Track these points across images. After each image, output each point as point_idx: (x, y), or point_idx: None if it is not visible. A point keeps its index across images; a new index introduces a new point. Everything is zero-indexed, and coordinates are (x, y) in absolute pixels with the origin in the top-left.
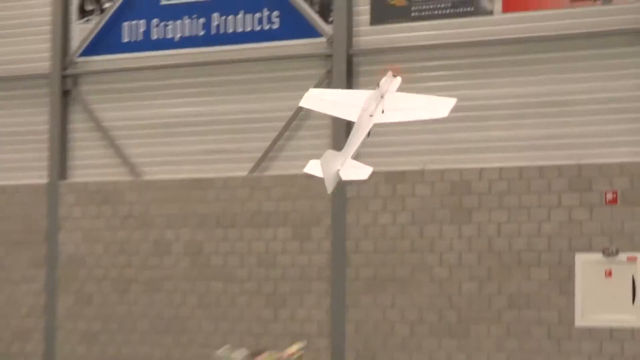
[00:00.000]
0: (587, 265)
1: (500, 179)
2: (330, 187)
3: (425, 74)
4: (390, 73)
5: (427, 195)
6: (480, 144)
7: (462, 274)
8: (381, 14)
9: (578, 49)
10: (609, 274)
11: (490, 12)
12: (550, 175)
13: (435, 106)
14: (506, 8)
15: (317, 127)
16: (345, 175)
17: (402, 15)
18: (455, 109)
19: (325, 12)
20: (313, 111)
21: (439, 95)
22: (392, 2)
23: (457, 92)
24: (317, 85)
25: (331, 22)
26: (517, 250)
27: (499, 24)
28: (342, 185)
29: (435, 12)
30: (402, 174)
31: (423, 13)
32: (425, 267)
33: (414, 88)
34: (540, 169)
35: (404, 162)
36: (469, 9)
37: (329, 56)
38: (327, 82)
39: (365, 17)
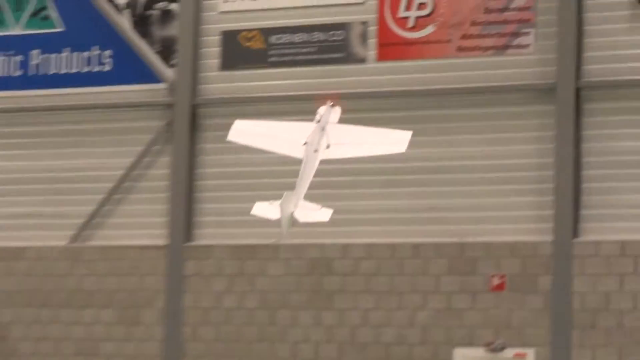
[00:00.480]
0: None
1: (368, 258)
2: (285, 230)
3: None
4: (329, 102)
5: (280, 275)
6: (345, 215)
7: None
8: (234, 59)
9: (465, 106)
10: None
11: (363, 60)
12: (427, 255)
13: (389, 140)
14: (382, 56)
15: (153, 190)
16: (303, 217)
17: (259, 60)
18: (315, 173)
19: (167, 54)
20: (149, 172)
21: None
22: (248, 44)
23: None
24: (155, 141)
25: (174, 66)
26: (385, 343)
27: (372, 74)
28: (179, 260)
29: (298, 57)
30: (251, 249)
31: (284, 58)
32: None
33: None
34: (416, 247)
35: (253, 234)
36: (338, 55)
37: (169, 105)
38: (166, 135)
39: (215, 61)
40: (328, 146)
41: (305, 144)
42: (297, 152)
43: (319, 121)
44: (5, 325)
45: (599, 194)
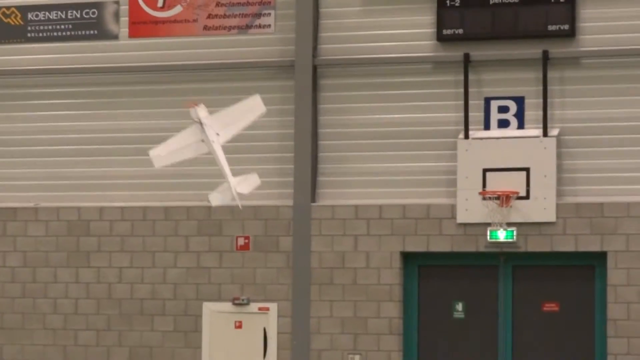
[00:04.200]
0: (215, 315)
1: (122, 220)
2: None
3: (43, 101)
4: (193, 106)
5: (40, 236)
6: (100, 181)
7: (79, 323)
8: None
9: (212, 81)
10: (239, 325)
11: (116, 37)
12: (177, 217)
13: (251, 108)
14: (133, 33)
15: None
16: (245, 189)
17: (18, 35)
18: (72, 142)
19: None
20: None
21: (54, 125)
22: (7, 20)
23: (77, 122)
24: None
25: None
26: (139, 298)
27: (124, 50)
28: None
29: (55, 33)
30: (13, 211)
31: (41, 34)
32: (38, 314)
33: (30, 117)
34: (166, 209)
35: (15, 197)
36: (91, 32)
37: None
38: None
39: None
40: (218, 134)
41: (202, 141)
42: (203, 150)
43: (198, 122)
44: None
45: (334, 162)
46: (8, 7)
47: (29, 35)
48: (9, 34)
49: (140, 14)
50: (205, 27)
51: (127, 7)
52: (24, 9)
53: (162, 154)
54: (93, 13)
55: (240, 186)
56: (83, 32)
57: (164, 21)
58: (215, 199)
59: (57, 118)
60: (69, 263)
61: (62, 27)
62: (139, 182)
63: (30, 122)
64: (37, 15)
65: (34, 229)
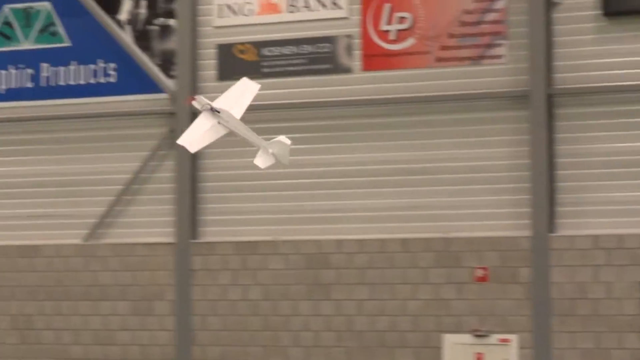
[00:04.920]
0: (456, 347)
1: (360, 252)
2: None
3: (276, 136)
4: (195, 102)
5: (280, 269)
6: (338, 214)
7: (320, 355)
8: (229, 69)
9: (445, 112)
10: (480, 357)
11: (349, 71)
12: (415, 249)
13: (244, 89)
14: (366, 66)
15: (158, 192)
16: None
17: (253, 71)
18: (310, 175)
19: (167, 66)
20: (154, 175)
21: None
22: (242, 56)
23: (313, 156)
24: (159, 146)
25: (174, 77)
26: (379, 330)
27: (358, 83)
28: (187, 256)
29: (289, 68)
30: (253, 245)
31: (275, 69)
32: (279, 347)
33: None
34: (404, 241)
35: (255, 231)
36: (325, 66)
37: (171, 114)
38: (169, 141)
39: (212, 72)
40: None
41: (219, 123)
42: (223, 131)
43: (206, 109)
44: (29, 317)
45: (572, 192)
46: (243, 44)
47: (263, 70)
48: (244, 70)
49: (373, 47)
50: (438, 59)
51: (360, 40)
52: (258, 45)
53: (189, 140)
54: (327, 47)
55: (277, 142)
56: (317, 67)
57: (397, 54)
58: (260, 162)
59: (293, 152)
60: (309, 296)
61: (296, 62)
62: (376, 215)
63: None
64: (271, 51)
65: (274, 262)
